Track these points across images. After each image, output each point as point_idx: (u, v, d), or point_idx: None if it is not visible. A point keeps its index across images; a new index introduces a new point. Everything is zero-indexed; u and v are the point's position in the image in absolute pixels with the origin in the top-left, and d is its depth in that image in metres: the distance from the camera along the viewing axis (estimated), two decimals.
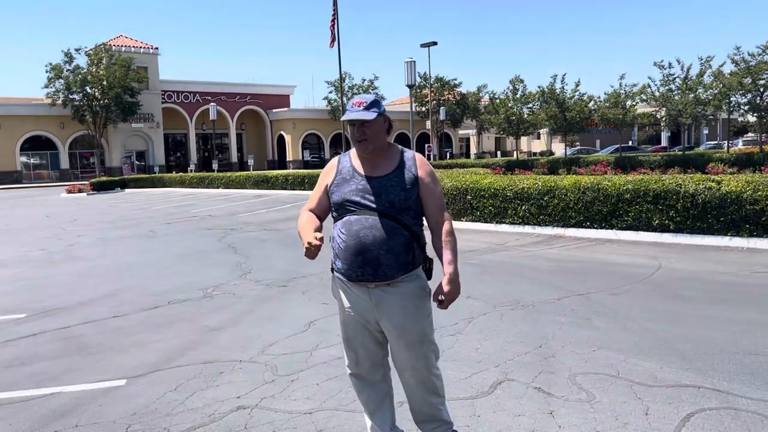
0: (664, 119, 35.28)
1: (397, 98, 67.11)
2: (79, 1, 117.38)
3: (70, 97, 42.92)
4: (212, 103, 39.06)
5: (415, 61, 22.80)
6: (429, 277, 2.89)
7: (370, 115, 2.74)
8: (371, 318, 2.83)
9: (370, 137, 2.78)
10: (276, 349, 4.94)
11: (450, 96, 53.24)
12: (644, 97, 34.11)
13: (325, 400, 3.88)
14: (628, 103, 35.11)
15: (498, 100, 40.98)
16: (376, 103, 2.80)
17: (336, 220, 2.85)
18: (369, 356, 2.95)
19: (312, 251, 2.63)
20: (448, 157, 53.81)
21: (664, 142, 54.47)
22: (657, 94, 32.93)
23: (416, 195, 2.79)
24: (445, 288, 2.72)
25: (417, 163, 2.84)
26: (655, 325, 5.17)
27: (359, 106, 2.77)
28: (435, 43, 34.95)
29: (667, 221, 9.41)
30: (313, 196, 2.97)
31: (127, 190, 33.34)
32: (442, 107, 49.83)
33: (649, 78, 35.03)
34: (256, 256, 9.68)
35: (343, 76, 41.34)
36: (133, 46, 48.04)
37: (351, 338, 2.95)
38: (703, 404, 3.62)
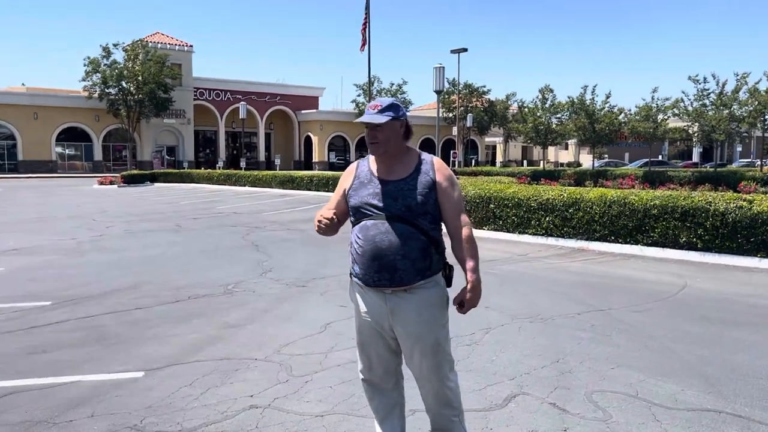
0: (696, 135, 34.67)
1: (424, 103, 67.08)
2: None
3: (106, 90, 43.81)
4: (242, 102, 39.49)
5: (444, 67, 22.74)
6: (449, 284, 2.86)
7: (381, 119, 2.75)
8: (386, 324, 2.82)
9: (381, 141, 2.78)
10: (291, 349, 4.95)
11: (478, 103, 53.07)
12: (677, 112, 33.55)
13: (337, 404, 3.88)
14: (660, 117, 34.56)
15: (527, 109, 40.70)
16: (391, 107, 2.80)
17: (353, 225, 2.86)
18: (382, 363, 2.94)
19: (323, 226, 2.78)
20: (473, 164, 53.56)
21: (695, 158, 53.49)
22: (690, 108, 32.37)
23: (434, 199, 2.77)
24: (468, 295, 2.76)
25: (435, 167, 2.82)
26: (677, 346, 5.07)
27: (374, 110, 2.79)
28: (465, 50, 34.92)
29: (694, 239, 9.23)
30: (332, 199, 2.98)
31: (156, 184, 33.83)
32: (469, 114, 49.68)
33: (683, 92, 34.48)
34: (278, 255, 9.74)
35: (372, 79, 41.45)
36: (169, 43, 48.83)
37: (365, 344, 2.93)
38: (723, 430, 3.53)
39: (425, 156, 2.88)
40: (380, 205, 2.75)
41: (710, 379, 4.31)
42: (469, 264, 2.76)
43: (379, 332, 2.86)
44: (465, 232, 2.79)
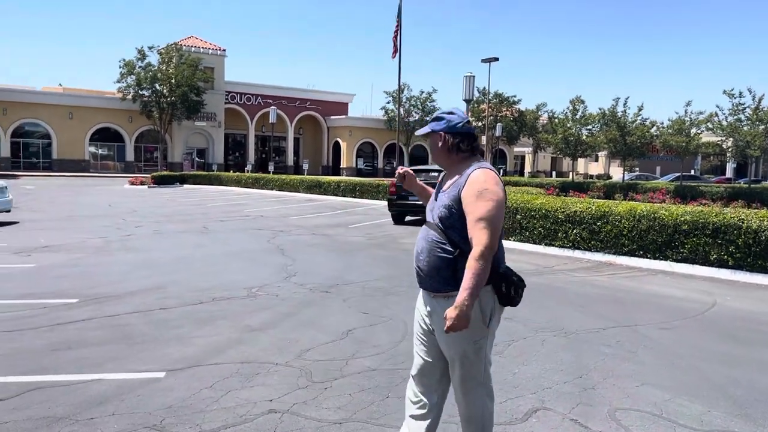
0: (730, 150, 33.95)
1: None
2: (156, 2, 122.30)
3: (140, 92, 44.58)
4: (273, 107, 39.87)
5: (474, 76, 22.67)
6: (502, 301, 2.75)
7: (421, 131, 2.97)
8: (428, 325, 2.92)
9: (430, 149, 3.00)
10: (312, 355, 4.95)
11: (508, 112, 52.78)
12: (710, 126, 32.93)
13: (356, 412, 3.86)
14: (693, 131, 33.96)
15: (557, 120, 40.33)
16: (435, 119, 2.94)
17: None
18: (425, 366, 2.97)
19: (397, 174, 3.14)
20: (501, 174, 53.25)
21: (729, 174, 52.40)
22: (725, 123, 31.73)
23: (460, 214, 2.73)
24: (447, 313, 2.59)
25: (467, 181, 2.74)
26: (705, 365, 4.95)
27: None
28: (496, 59, 34.67)
29: (725, 257, 9.02)
30: None
31: (185, 186, 34.31)
32: (498, 123, 49.42)
33: (717, 107, 33.67)
34: (302, 260, 9.78)
35: (402, 87, 41.53)
36: (203, 47, 49.60)
37: (415, 339, 3.04)
38: None
39: (470, 169, 2.79)
40: (429, 212, 2.92)
41: (738, 401, 4.19)
42: (463, 283, 2.60)
43: (425, 330, 2.95)
44: (474, 251, 2.62)
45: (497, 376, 4.51)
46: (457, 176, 2.82)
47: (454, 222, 2.74)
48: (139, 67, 44.25)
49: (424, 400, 2.96)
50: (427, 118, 52.75)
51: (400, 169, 3.12)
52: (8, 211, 14.64)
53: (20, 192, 23.99)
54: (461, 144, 2.85)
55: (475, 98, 35.61)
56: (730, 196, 27.45)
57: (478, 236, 2.63)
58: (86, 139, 47.30)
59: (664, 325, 6.21)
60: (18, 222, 14.56)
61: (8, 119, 44.10)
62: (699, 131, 34.10)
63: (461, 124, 2.87)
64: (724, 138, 33.27)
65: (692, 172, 48.24)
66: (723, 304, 7.28)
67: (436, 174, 15.94)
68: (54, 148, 46.21)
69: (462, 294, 2.57)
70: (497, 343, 5.30)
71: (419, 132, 2.98)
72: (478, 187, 2.70)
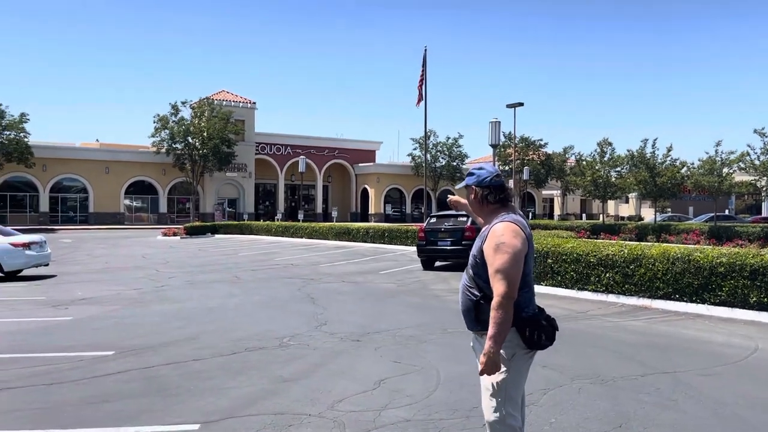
0: (764, 189, 33.28)
1: (480, 156, 67.23)
2: (188, 58, 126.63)
3: (173, 146, 45.88)
4: (302, 156, 40.58)
5: (499, 122, 22.89)
6: (528, 345, 2.96)
7: (460, 185, 3.31)
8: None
9: (467, 201, 3.28)
10: (345, 406, 4.93)
11: (535, 156, 52.82)
12: (742, 166, 32.41)
13: None
14: (725, 170, 33.43)
15: (585, 162, 40.17)
16: (469, 174, 3.19)
17: None
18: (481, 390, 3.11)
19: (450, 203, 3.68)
20: (530, 217, 52.90)
21: (765, 213, 51.19)
22: (757, 162, 31.23)
23: (483, 263, 2.95)
24: (480, 359, 2.87)
25: (489, 234, 2.97)
26: (749, 414, 4.78)
27: None
28: (521, 104, 34.95)
29: (766, 299, 8.76)
30: None
31: (217, 236, 34.82)
32: (526, 167, 49.42)
33: (749, 146, 33.07)
34: (333, 309, 9.79)
35: (428, 133, 42.03)
36: (233, 101, 51.09)
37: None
38: None
39: (495, 221, 3.01)
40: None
41: None
42: (489, 332, 2.82)
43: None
44: (492, 302, 2.83)
45: (533, 427, 4.43)
46: (487, 227, 3.03)
47: (479, 270, 2.98)
48: (173, 121, 45.71)
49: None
50: (454, 164, 53.24)
51: (449, 201, 3.66)
52: (47, 264, 15.04)
53: (58, 245, 24.63)
54: (489, 196, 3.09)
55: (501, 143, 35.79)
56: (767, 236, 26.77)
57: (496, 287, 2.85)
58: (122, 192, 48.59)
59: (705, 371, 6.03)
60: (56, 275, 14.93)
61: (48, 175, 45.64)
62: (731, 171, 33.56)
63: (489, 178, 3.10)
64: (757, 177, 32.68)
65: (726, 212, 47.27)
66: (765, 349, 7.04)
67: (464, 219, 15.95)
68: (91, 202, 47.53)
69: (488, 343, 2.81)
70: (532, 392, 5.22)
71: (458, 186, 3.24)
72: (496, 240, 2.92)
